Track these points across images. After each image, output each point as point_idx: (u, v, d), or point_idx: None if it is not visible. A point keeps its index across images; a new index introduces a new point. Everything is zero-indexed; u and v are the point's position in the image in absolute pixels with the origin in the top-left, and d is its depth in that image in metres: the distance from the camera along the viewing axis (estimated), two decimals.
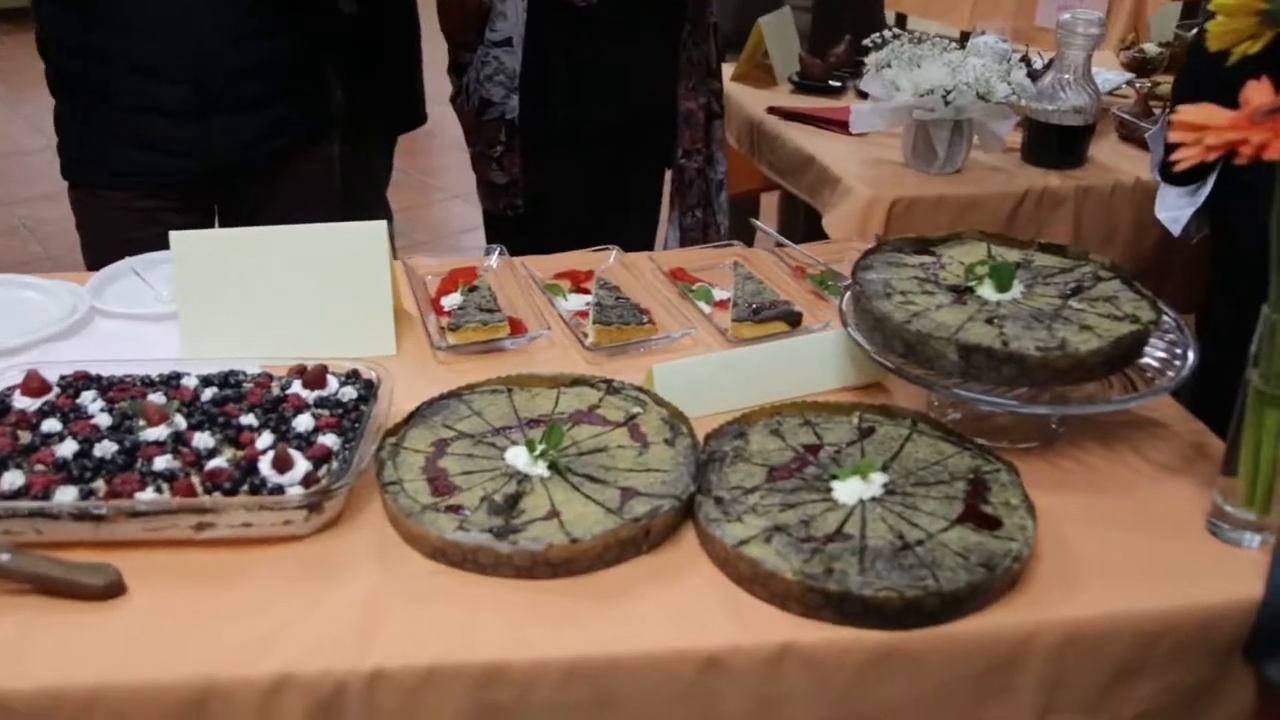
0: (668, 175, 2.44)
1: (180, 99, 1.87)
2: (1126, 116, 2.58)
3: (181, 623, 1.04)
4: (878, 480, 1.18)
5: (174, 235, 1.47)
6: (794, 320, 1.58)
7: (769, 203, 3.64)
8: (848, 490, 1.17)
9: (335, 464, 1.18)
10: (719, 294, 1.70)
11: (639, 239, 2.41)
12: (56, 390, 1.29)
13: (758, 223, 2.01)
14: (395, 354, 1.53)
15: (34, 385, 1.27)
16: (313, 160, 2.10)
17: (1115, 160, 2.45)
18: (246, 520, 1.11)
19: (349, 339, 1.50)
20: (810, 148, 2.51)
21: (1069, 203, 2.33)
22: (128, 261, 1.73)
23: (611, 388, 1.37)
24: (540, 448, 1.21)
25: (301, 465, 1.15)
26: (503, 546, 1.07)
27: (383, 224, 1.51)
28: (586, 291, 1.71)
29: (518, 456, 1.22)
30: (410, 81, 2.86)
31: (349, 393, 1.29)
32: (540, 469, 1.20)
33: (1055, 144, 2.38)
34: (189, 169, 1.94)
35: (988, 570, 1.06)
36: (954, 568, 1.06)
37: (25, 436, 1.21)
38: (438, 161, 5.24)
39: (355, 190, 2.57)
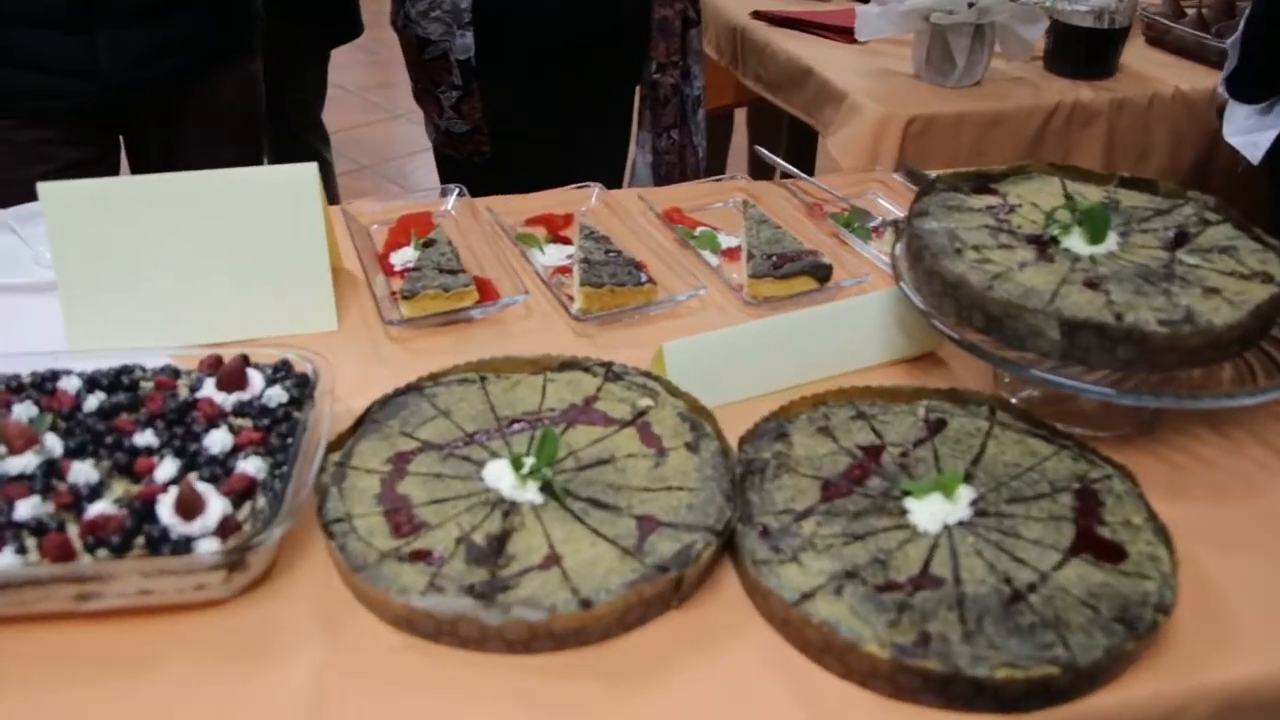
0: (636, 93, 2.13)
1: (52, 5, 1.52)
2: (1156, 19, 2.30)
3: None
4: (964, 497, 0.93)
5: (42, 187, 1.15)
6: (823, 275, 1.30)
7: (740, 120, 3.33)
8: (927, 512, 0.91)
9: (261, 500, 0.89)
10: (726, 240, 1.42)
11: (609, 169, 2.11)
12: None
13: (764, 151, 1.72)
14: (337, 330, 1.23)
15: None
16: (230, 80, 1.76)
17: (1147, 68, 2.18)
18: (144, 587, 0.83)
19: (277, 314, 1.21)
20: (807, 58, 2.20)
21: (1101, 118, 2.06)
22: (0, 215, 1.40)
23: (612, 373, 1.09)
24: (529, 464, 0.94)
25: (216, 506, 0.86)
26: (490, 616, 0.81)
27: (313, 166, 1.20)
28: (566, 241, 1.42)
29: (500, 476, 0.95)
30: None
31: (277, 395, 1.00)
32: (531, 493, 0.93)
33: (1084, 50, 2.10)
34: (75, 91, 1.60)
35: (1127, 628, 0.81)
36: (1085, 626, 0.81)
37: None
38: (378, 76, 4.82)
39: (284, 115, 2.23)
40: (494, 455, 0.98)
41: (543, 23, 1.89)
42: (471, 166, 1.96)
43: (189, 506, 0.85)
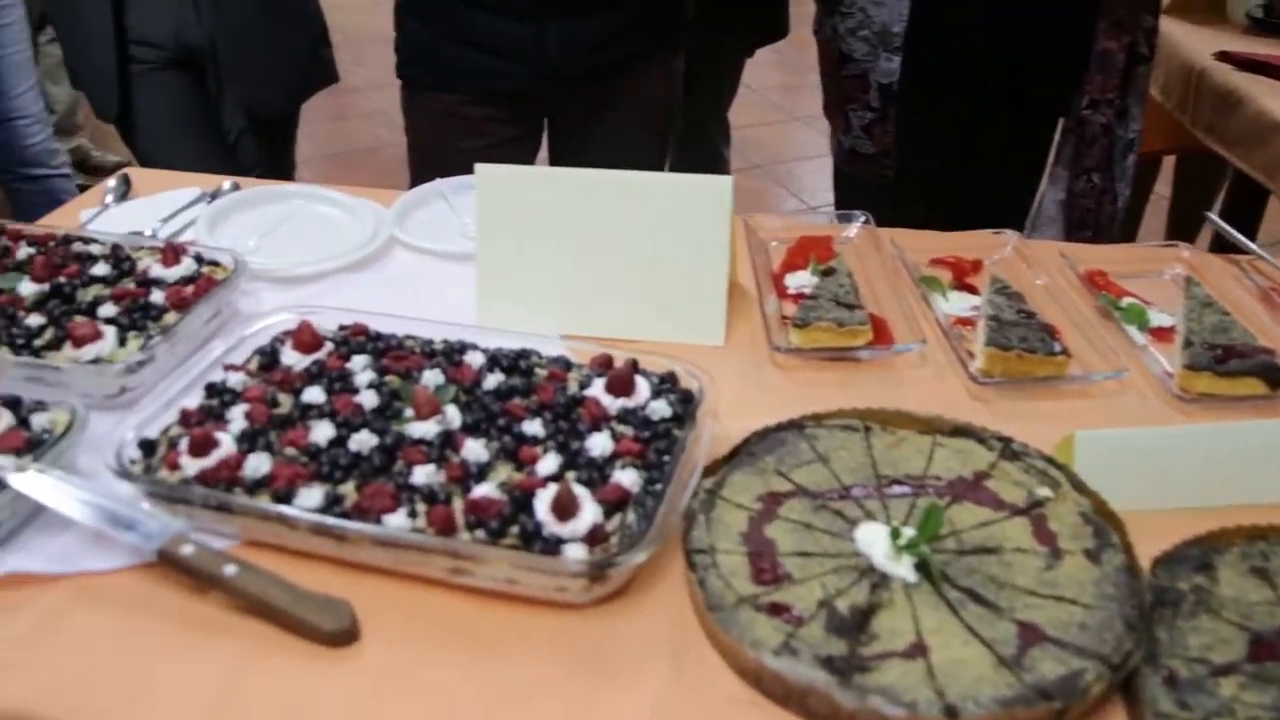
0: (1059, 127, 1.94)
1: None
2: None
3: (416, 697, 0.80)
4: None
5: (480, 168, 1.22)
6: (1277, 379, 1.12)
7: (1167, 168, 2.99)
8: None
9: (631, 515, 0.89)
10: (1157, 318, 1.26)
11: (1014, 208, 1.95)
12: (329, 347, 1.09)
13: (1218, 221, 1.51)
14: (723, 346, 1.22)
15: (305, 339, 1.07)
16: (655, 74, 1.80)
17: None
18: (511, 576, 0.85)
19: (668, 320, 1.21)
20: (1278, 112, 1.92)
21: None
22: (438, 184, 1.51)
23: (1010, 450, 0.99)
24: (907, 536, 0.87)
25: (589, 512, 0.87)
26: (845, 698, 0.75)
27: (728, 181, 1.19)
28: (972, 290, 1.32)
29: (874, 541, 0.88)
30: None
31: (660, 408, 1.00)
32: (905, 569, 0.86)
33: None
34: (521, 74, 1.71)
35: None
36: None
37: (285, 403, 1.01)
38: (785, 78, 4.84)
39: (696, 112, 2.26)
40: (869, 516, 0.92)
41: (975, 52, 1.77)
42: (869, 188, 1.89)
43: (565, 508, 0.86)
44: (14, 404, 0.99)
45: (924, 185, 1.83)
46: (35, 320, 1.11)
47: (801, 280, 1.32)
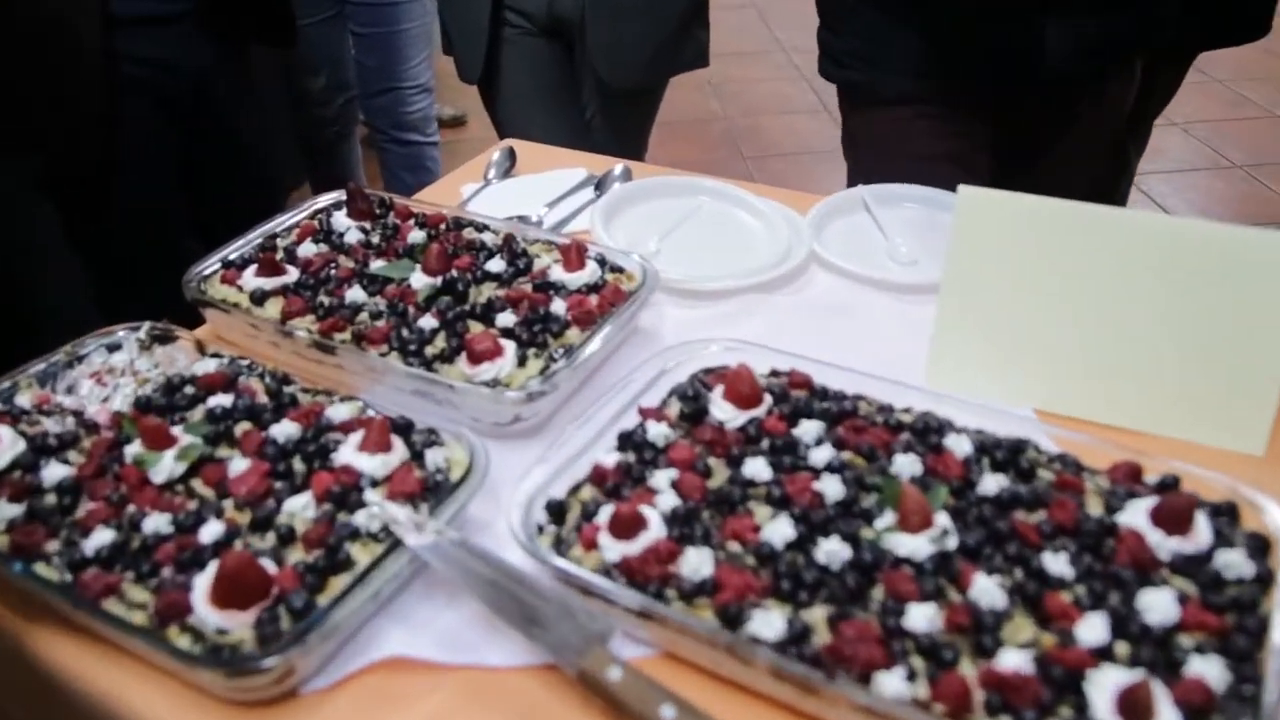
0: None
1: None
2: None
3: None
4: None
5: (964, 190, 0.96)
6: None
7: None
8: None
9: None
10: None
11: None
12: (768, 400, 0.87)
13: None
14: (1263, 456, 0.91)
15: (744, 390, 0.86)
16: (1118, 81, 1.47)
17: None
18: None
19: (1193, 412, 0.92)
20: None
21: None
22: (859, 190, 1.27)
23: None
24: None
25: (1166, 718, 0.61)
26: None
27: None
28: None
29: None
30: None
31: (1235, 563, 0.71)
32: None
33: None
34: (1015, 79, 1.39)
35: None
36: None
37: (718, 473, 0.81)
38: None
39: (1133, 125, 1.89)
40: None
41: None
42: None
43: (1140, 716, 0.60)
44: (405, 429, 0.84)
45: None
46: (428, 323, 0.96)
47: None
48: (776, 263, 1.13)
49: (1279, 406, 0.90)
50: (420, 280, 1.02)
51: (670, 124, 4.04)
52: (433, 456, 0.82)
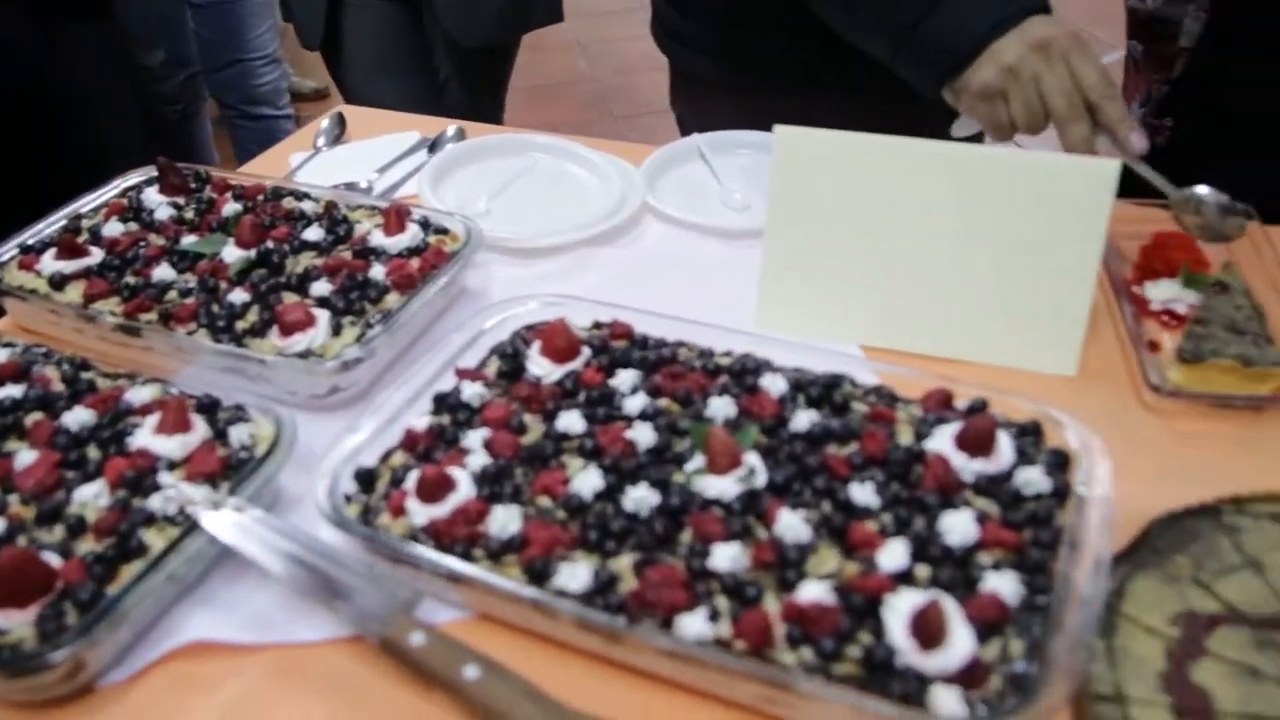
0: None
1: None
2: None
3: None
4: None
5: (780, 129, 0.96)
6: None
7: None
8: None
9: (1014, 641, 0.63)
10: None
11: None
12: (586, 353, 0.86)
13: None
14: (1074, 376, 0.94)
15: (559, 344, 0.85)
16: None
17: None
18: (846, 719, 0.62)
19: (1001, 339, 0.94)
20: None
21: None
22: (695, 139, 1.27)
23: None
24: None
25: (960, 639, 0.62)
26: None
27: (1114, 166, 0.89)
28: None
29: None
30: None
31: (1033, 480, 0.73)
32: None
33: None
34: None
35: None
36: None
37: (534, 428, 0.80)
38: None
39: None
40: None
41: None
42: None
43: (932, 632, 0.61)
44: (210, 408, 0.81)
45: None
46: (239, 297, 0.93)
47: (1168, 292, 1.01)
48: (608, 215, 1.12)
49: (1087, 327, 0.93)
50: (233, 254, 0.98)
51: (539, 87, 4.01)
52: (237, 433, 0.79)
